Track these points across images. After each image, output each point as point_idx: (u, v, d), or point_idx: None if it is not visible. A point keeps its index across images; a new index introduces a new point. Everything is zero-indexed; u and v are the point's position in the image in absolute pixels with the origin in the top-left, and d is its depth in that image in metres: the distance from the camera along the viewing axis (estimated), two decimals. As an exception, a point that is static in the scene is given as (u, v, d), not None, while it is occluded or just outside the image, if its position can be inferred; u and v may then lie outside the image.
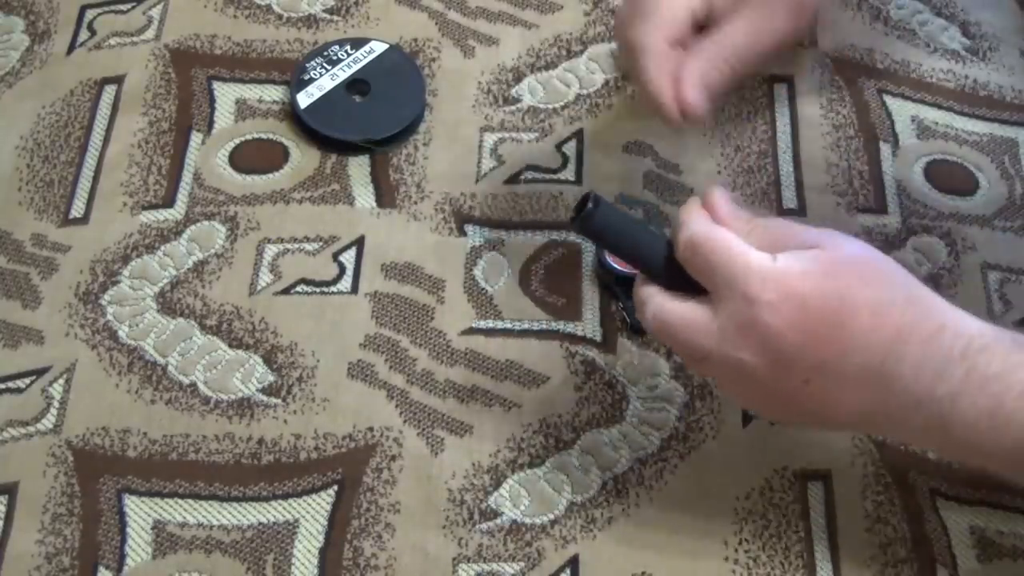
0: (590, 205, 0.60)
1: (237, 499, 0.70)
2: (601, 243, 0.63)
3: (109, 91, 0.88)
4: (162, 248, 0.80)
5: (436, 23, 0.92)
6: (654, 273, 0.61)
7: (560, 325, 0.76)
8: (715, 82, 0.69)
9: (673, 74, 0.68)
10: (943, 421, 0.55)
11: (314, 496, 0.70)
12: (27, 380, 0.74)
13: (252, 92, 0.88)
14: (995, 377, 0.53)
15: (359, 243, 0.80)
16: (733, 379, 0.59)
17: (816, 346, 0.55)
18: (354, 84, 0.87)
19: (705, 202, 0.60)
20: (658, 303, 0.59)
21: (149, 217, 0.82)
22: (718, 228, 0.58)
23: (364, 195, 0.82)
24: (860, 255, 0.57)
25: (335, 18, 0.92)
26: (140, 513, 0.69)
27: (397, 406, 0.73)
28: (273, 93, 0.88)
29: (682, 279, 0.59)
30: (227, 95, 0.88)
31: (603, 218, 0.60)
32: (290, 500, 0.70)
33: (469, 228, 0.81)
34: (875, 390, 0.55)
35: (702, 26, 0.70)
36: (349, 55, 0.88)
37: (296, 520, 0.69)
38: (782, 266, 0.55)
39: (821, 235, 0.57)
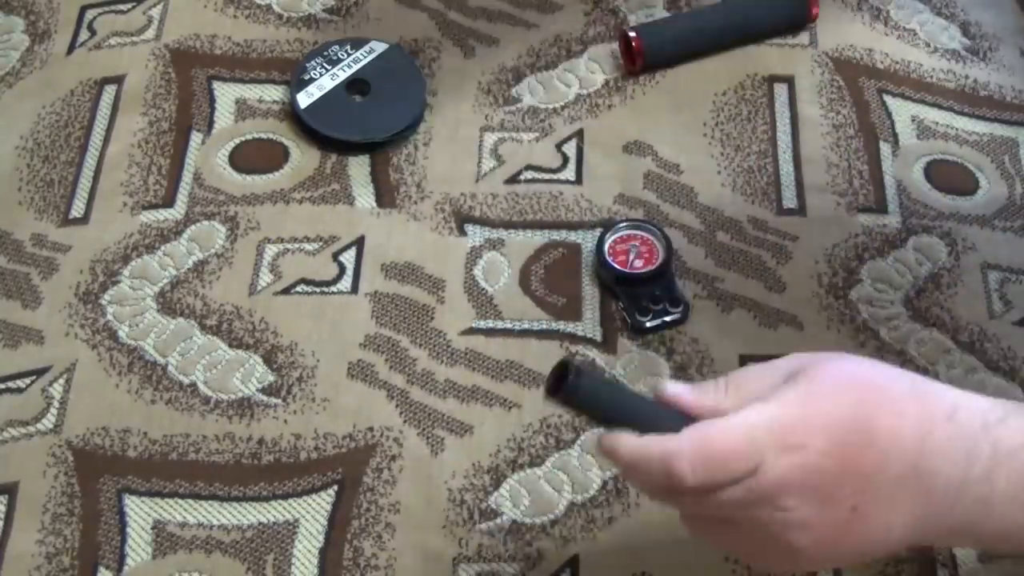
0: (571, 377, 0.53)
1: (237, 499, 0.70)
2: (585, 414, 0.56)
3: (109, 91, 0.88)
4: (162, 248, 0.80)
5: (436, 23, 0.92)
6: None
7: (560, 325, 0.76)
8: None
9: None
10: (984, 500, 0.53)
11: (314, 496, 0.70)
12: (27, 380, 0.74)
13: (252, 92, 0.88)
14: (1021, 447, 0.52)
15: (359, 243, 0.80)
16: (767, 538, 0.54)
17: (855, 467, 0.52)
18: (354, 84, 0.87)
19: (661, 401, 0.56)
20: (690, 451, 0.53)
21: (149, 217, 0.82)
22: (701, 426, 0.53)
23: (364, 195, 0.82)
24: (850, 363, 0.55)
25: (335, 18, 0.92)
26: (140, 513, 0.69)
27: (397, 406, 0.73)
28: (273, 93, 0.88)
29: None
30: (227, 95, 0.88)
31: (585, 387, 0.54)
32: (290, 500, 0.70)
33: (469, 228, 0.81)
34: (917, 493, 0.53)
35: None
36: (349, 55, 0.88)
37: (296, 520, 0.69)
38: (791, 405, 0.53)
39: (793, 361, 0.54)
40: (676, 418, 0.54)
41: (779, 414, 0.52)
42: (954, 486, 0.53)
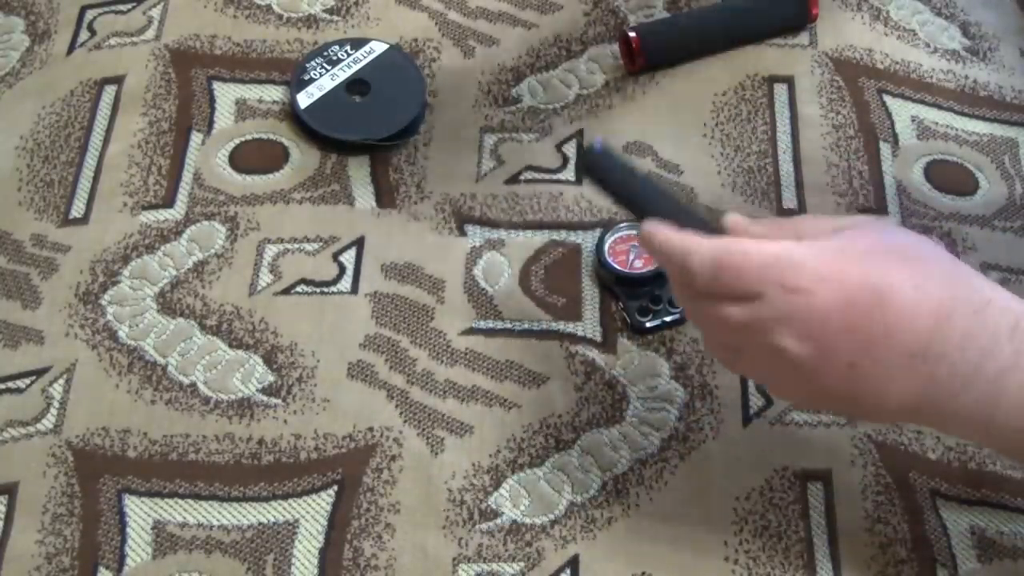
0: (596, 147, 0.61)
1: (237, 499, 0.70)
2: (605, 190, 0.64)
3: (109, 91, 0.88)
4: (162, 248, 0.80)
5: (436, 23, 0.92)
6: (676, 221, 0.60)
7: (560, 325, 0.76)
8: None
9: None
10: (990, 402, 0.53)
11: (314, 496, 0.70)
12: (27, 380, 0.74)
13: (252, 92, 0.88)
14: None
15: (359, 243, 0.80)
16: (771, 370, 0.57)
17: (860, 326, 0.53)
18: (354, 84, 0.87)
19: (720, 228, 0.59)
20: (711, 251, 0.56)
21: (149, 217, 0.82)
22: (731, 239, 0.56)
23: (364, 195, 0.82)
24: (895, 233, 0.56)
25: (335, 18, 0.92)
26: (140, 513, 0.69)
27: (397, 406, 0.73)
28: (273, 93, 0.88)
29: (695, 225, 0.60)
30: (227, 95, 0.88)
31: (606, 163, 0.62)
32: (290, 500, 0.70)
33: (469, 228, 0.81)
34: (921, 373, 0.53)
35: None
36: (349, 55, 0.88)
37: (296, 520, 0.69)
38: (815, 250, 0.54)
39: (853, 219, 0.56)
40: (701, 223, 0.60)
41: (800, 255, 0.54)
42: (960, 377, 0.53)
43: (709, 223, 0.61)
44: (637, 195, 0.62)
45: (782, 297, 0.53)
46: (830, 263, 0.53)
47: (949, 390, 0.54)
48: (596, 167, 0.63)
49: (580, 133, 0.85)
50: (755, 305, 0.54)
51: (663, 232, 0.58)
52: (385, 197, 0.82)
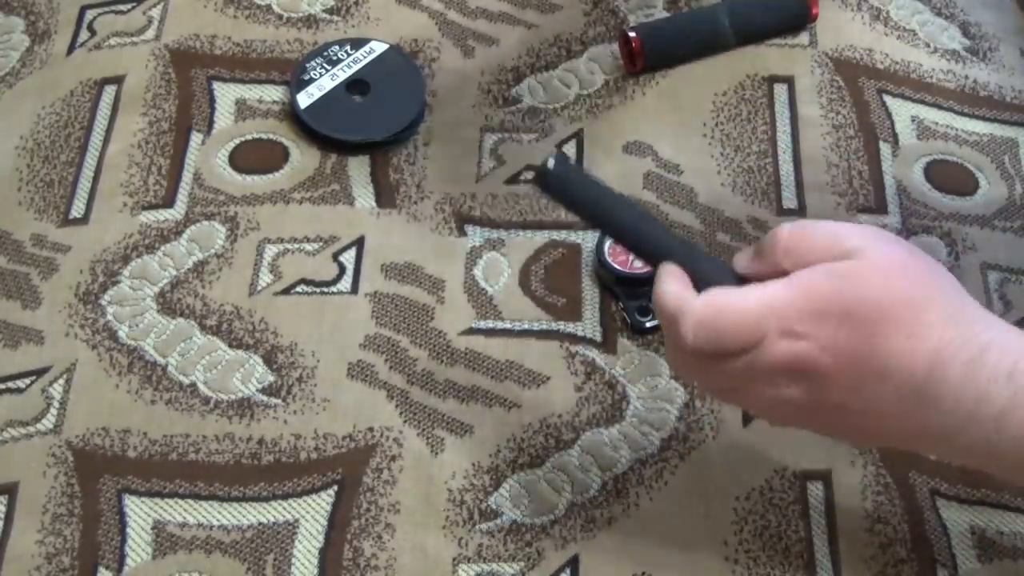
0: (551, 163, 0.56)
1: (237, 499, 0.70)
2: (564, 205, 0.59)
3: (109, 91, 0.88)
4: (162, 248, 0.80)
5: (436, 23, 0.92)
6: (624, 239, 0.58)
7: (560, 325, 0.76)
8: None
9: None
10: (990, 441, 0.52)
11: (314, 496, 0.70)
12: (27, 380, 0.74)
13: (252, 92, 0.88)
14: None
15: (359, 243, 0.80)
16: (770, 407, 0.56)
17: (850, 368, 0.52)
18: (354, 84, 0.87)
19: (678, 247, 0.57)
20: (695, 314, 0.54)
21: (149, 217, 0.82)
22: (718, 298, 0.54)
23: (364, 195, 0.82)
24: (899, 265, 0.54)
25: (335, 18, 0.92)
26: (140, 513, 0.69)
27: (397, 406, 0.73)
28: (273, 93, 0.88)
29: (648, 248, 0.57)
30: (227, 95, 0.88)
31: (563, 179, 0.57)
32: (290, 500, 0.70)
33: (469, 228, 0.81)
34: (914, 414, 0.53)
35: None
36: (349, 55, 0.88)
37: (296, 520, 0.69)
38: (807, 292, 0.53)
39: (862, 239, 0.54)
40: (669, 242, 0.57)
41: (795, 299, 0.53)
42: (956, 421, 0.52)
43: (675, 240, 0.58)
44: (602, 211, 0.58)
45: (779, 344, 0.53)
46: (829, 308, 0.52)
47: (944, 432, 0.53)
48: (554, 186, 0.58)
49: (580, 133, 0.85)
50: (751, 355, 0.54)
51: (660, 287, 0.56)
52: (385, 197, 0.82)
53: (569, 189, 0.58)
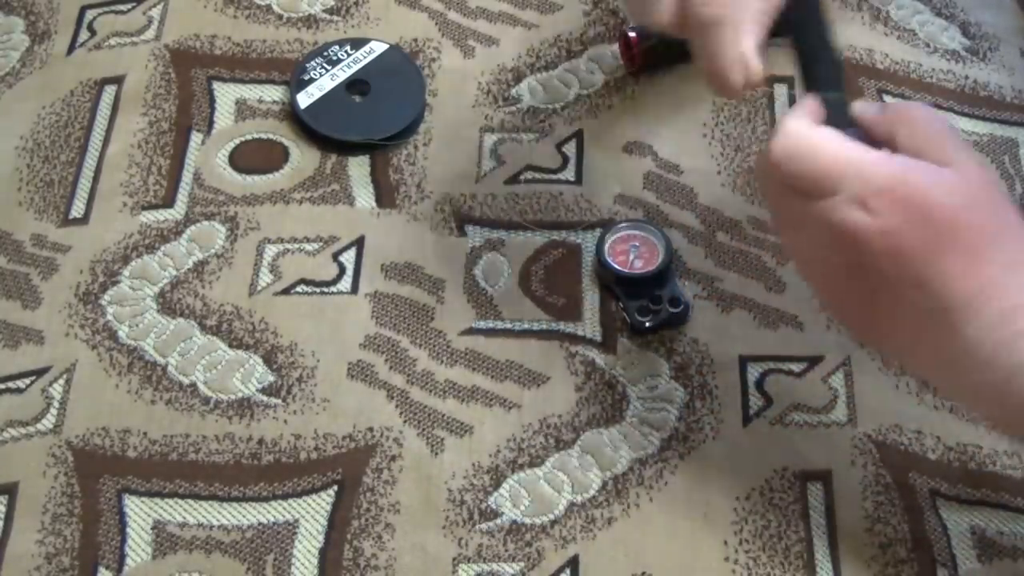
0: None
1: (237, 499, 0.70)
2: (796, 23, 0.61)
3: (109, 91, 0.88)
4: (162, 248, 0.80)
5: (436, 23, 0.92)
6: (802, 55, 0.60)
7: (560, 325, 0.76)
8: (762, 41, 0.65)
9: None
10: (995, 389, 0.53)
11: (314, 496, 0.70)
12: (27, 380, 0.74)
13: (252, 92, 0.88)
14: None
15: (359, 243, 0.80)
16: (808, 257, 0.57)
17: (897, 262, 0.53)
18: (354, 84, 0.87)
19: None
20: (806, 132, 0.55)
21: (149, 217, 0.82)
22: (814, 131, 0.55)
23: (364, 195, 0.83)
24: (987, 193, 0.54)
25: (335, 18, 0.92)
26: (140, 513, 0.69)
27: (397, 406, 0.73)
28: (273, 93, 0.88)
29: (821, 72, 0.59)
30: (227, 95, 0.88)
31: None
32: (290, 500, 0.70)
33: (469, 228, 0.81)
34: (933, 334, 0.54)
35: None
36: (349, 55, 0.88)
37: (296, 520, 0.69)
38: (900, 172, 0.53)
39: (964, 154, 0.54)
40: (833, 67, 0.60)
41: (885, 176, 0.53)
42: (972, 360, 0.53)
43: (837, 77, 0.60)
44: (798, 19, 0.61)
45: (848, 208, 0.53)
46: (905, 196, 0.53)
47: (954, 365, 0.54)
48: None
49: (580, 133, 0.85)
50: (817, 203, 0.54)
51: (795, 107, 0.57)
52: (385, 197, 0.82)
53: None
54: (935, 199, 0.53)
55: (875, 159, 0.54)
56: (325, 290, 0.78)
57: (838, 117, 0.58)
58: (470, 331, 0.76)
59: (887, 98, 0.87)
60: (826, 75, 0.60)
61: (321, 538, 0.68)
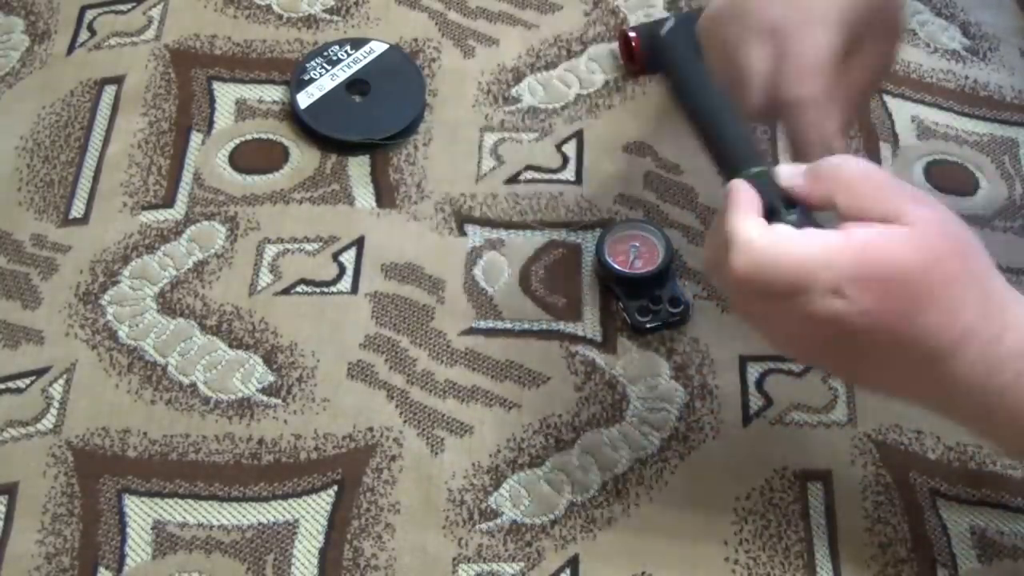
0: (666, 27, 0.58)
1: (237, 499, 0.70)
2: (666, 74, 0.59)
3: (109, 91, 0.88)
4: (162, 248, 0.80)
5: (436, 23, 0.92)
6: (704, 129, 0.59)
7: (560, 325, 0.76)
8: (849, 124, 0.67)
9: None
10: (989, 411, 0.55)
11: (314, 496, 0.70)
12: (27, 380, 0.74)
13: (252, 92, 0.88)
14: None
15: (359, 243, 0.80)
16: (792, 344, 0.58)
17: (884, 334, 0.54)
18: (354, 84, 0.87)
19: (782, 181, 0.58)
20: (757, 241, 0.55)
21: (149, 217, 0.82)
22: (766, 239, 0.54)
23: (364, 195, 0.83)
24: (948, 241, 0.54)
25: (335, 18, 0.92)
26: (140, 513, 0.69)
27: (397, 406, 0.73)
28: (273, 93, 0.88)
29: (737, 149, 0.58)
30: (227, 95, 0.88)
31: (669, 49, 0.58)
32: (290, 500, 0.70)
33: (469, 228, 0.81)
34: (929, 379, 0.55)
35: None
36: (349, 55, 0.88)
37: (296, 520, 0.69)
38: (857, 252, 0.53)
39: (917, 205, 0.54)
40: (745, 142, 0.58)
41: (849, 259, 0.53)
42: (965, 391, 0.55)
43: (751, 147, 0.59)
44: (694, 100, 0.59)
45: (824, 299, 0.53)
46: (879, 273, 0.53)
47: (951, 398, 0.56)
48: (665, 53, 0.58)
49: (580, 133, 0.85)
50: (793, 301, 0.54)
51: (730, 208, 0.56)
52: (385, 197, 0.82)
53: (669, 61, 0.59)
54: (904, 267, 0.53)
55: (837, 247, 0.54)
56: (325, 290, 0.78)
57: (771, 194, 0.56)
58: (470, 331, 0.76)
59: (887, 98, 0.88)
60: (743, 150, 0.59)
61: (321, 538, 0.68)
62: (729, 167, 0.59)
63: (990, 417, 0.56)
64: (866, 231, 0.54)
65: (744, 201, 0.56)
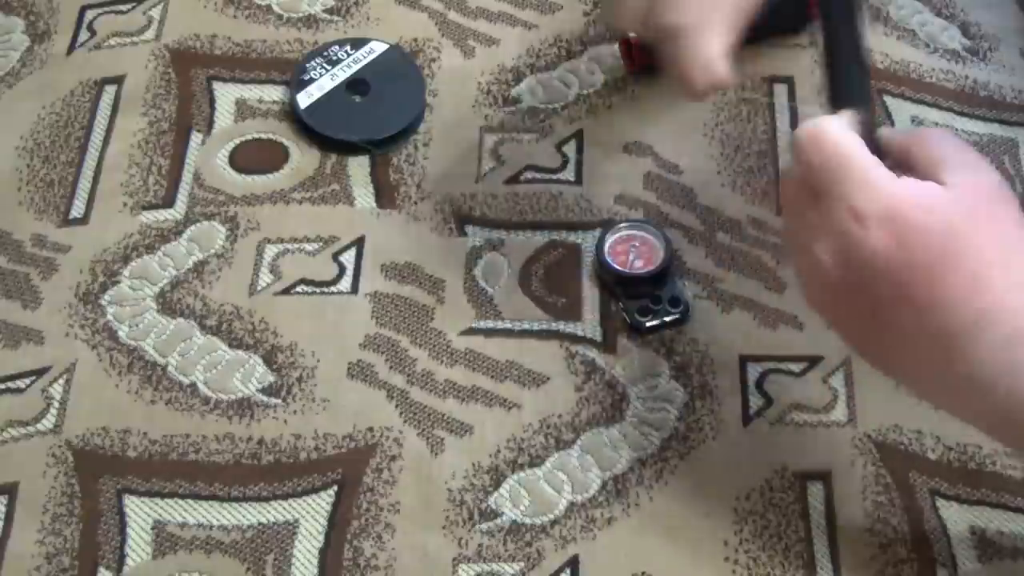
0: None
1: (237, 499, 0.70)
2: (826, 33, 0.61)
3: (109, 91, 0.88)
4: (162, 248, 0.80)
5: (436, 23, 0.92)
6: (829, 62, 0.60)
7: (560, 325, 0.76)
8: (735, 46, 0.66)
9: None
10: (1001, 415, 0.53)
11: (314, 496, 0.70)
12: (27, 380, 0.74)
13: (252, 92, 0.88)
14: None
15: (359, 243, 0.80)
16: (812, 277, 0.57)
17: (898, 285, 0.52)
18: (354, 84, 0.87)
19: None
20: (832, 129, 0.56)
21: (149, 217, 0.82)
22: (850, 133, 0.55)
23: (364, 195, 0.83)
24: (994, 209, 0.53)
25: (335, 18, 0.92)
26: (140, 513, 0.69)
27: (397, 406, 0.73)
28: (273, 93, 0.88)
29: (838, 81, 0.60)
30: (227, 95, 0.88)
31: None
32: (290, 500, 0.70)
33: (469, 228, 0.81)
34: (938, 356, 0.53)
35: None
36: (349, 55, 0.88)
37: (296, 520, 0.69)
38: (903, 192, 0.53)
39: (978, 169, 0.54)
40: (858, 85, 0.60)
41: (890, 193, 0.53)
42: (975, 382, 0.52)
43: (863, 93, 0.60)
44: (842, 57, 0.61)
45: (842, 214, 0.53)
46: (903, 217, 0.52)
47: (957, 386, 0.54)
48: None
49: (580, 133, 0.85)
50: (824, 203, 0.54)
51: (823, 118, 0.57)
52: (385, 197, 0.82)
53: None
54: (933, 223, 0.52)
55: (882, 173, 0.53)
56: (325, 290, 0.78)
57: (865, 138, 0.57)
58: (470, 331, 0.76)
59: (887, 98, 0.88)
60: (858, 90, 0.60)
61: (321, 538, 0.68)
62: (838, 101, 0.60)
63: (1003, 423, 0.53)
64: (915, 183, 0.53)
65: (849, 117, 0.57)
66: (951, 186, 0.53)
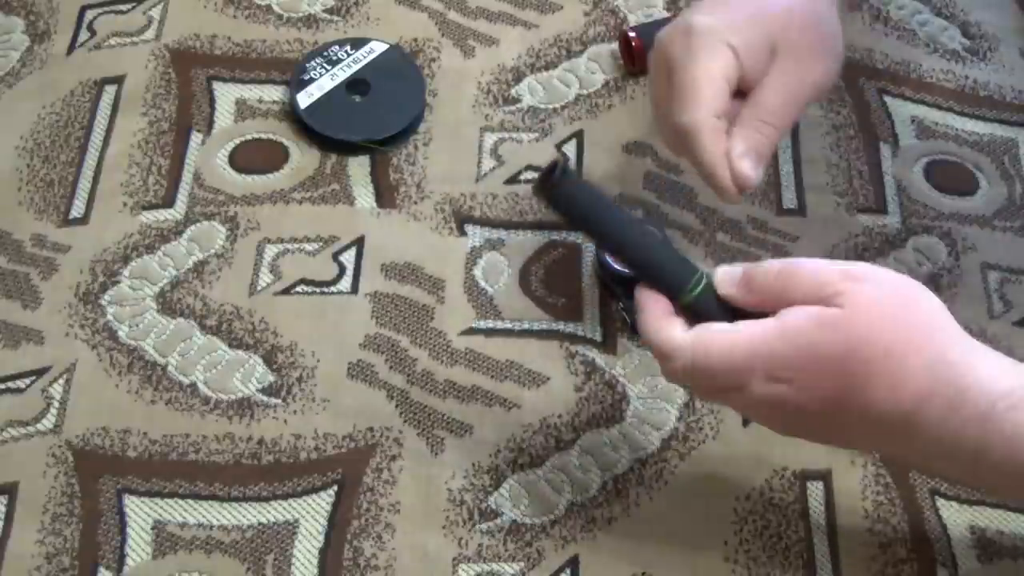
0: (556, 173, 0.55)
1: (237, 499, 0.70)
2: (570, 221, 0.58)
3: (109, 91, 0.88)
4: (162, 248, 0.80)
5: (436, 23, 0.92)
6: (635, 263, 0.59)
7: (560, 325, 0.76)
8: (762, 146, 0.66)
9: (725, 149, 0.66)
10: (966, 472, 0.55)
11: (314, 496, 0.70)
12: (27, 380, 0.74)
13: (252, 92, 0.88)
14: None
15: (359, 243, 0.80)
16: (758, 417, 0.60)
17: (831, 410, 0.55)
18: (354, 84, 0.87)
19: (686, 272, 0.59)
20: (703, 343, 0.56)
21: (149, 217, 0.82)
22: (706, 339, 0.56)
23: (364, 195, 0.83)
24: (884, 311, 0.54)
25: (335, 18, 0.92)
26: (140, 513, 0.69)
27: (397, 406, 0.73)
28: (273, 93, 0.88)
29: (662, 272, 0.58)
30: (227, 95, 0.88)
31: (571, 192, 0.56)
32: (290, 500, 0.70)
33: (469, 228, 0.81)
34: (895, 443, 0.55)
35: (738, 90, 0.67)
36: (349, 55, 0.88)
37: (296, 520, 0.69)
38: (793, 337, 0.54)
39: (848, 282, 0.54)
40: (675, 262, 0.58)
41: (780, 345, 0.54)
42: (936, 454, 0.55)
43: (683, 264, 0.59)
44: (601, 230, 0.58)
45: (764, 386, 0.55)
46: (815, 355, 0.54)
47: (925, 459, 0.57)
48: (556, 199, 0.57)
49: (580, 133, 0.85)
50: (737, 392, 0.56)
51: (646, 317, 0.58)
52: (385, 197, 0.82)
53: (570, 204, 0.58)
54: (837, 348, 0.53)
55: (771, 336, 0.55)
56: (325, 290, 0.78)
57: (715, 308, 0.57)
58: (470, 331, 0.76)
59: (887, 98, 0.88)
60: (671, 273, 0.58)
61: (321, 538, 0.68)
62: (670, 294, 0.58)
63: (971, 479, 0.57)
64: (798, 315, 0.54)
65: (655, 309, 0.58)
66: (845, 305, 0.54)
